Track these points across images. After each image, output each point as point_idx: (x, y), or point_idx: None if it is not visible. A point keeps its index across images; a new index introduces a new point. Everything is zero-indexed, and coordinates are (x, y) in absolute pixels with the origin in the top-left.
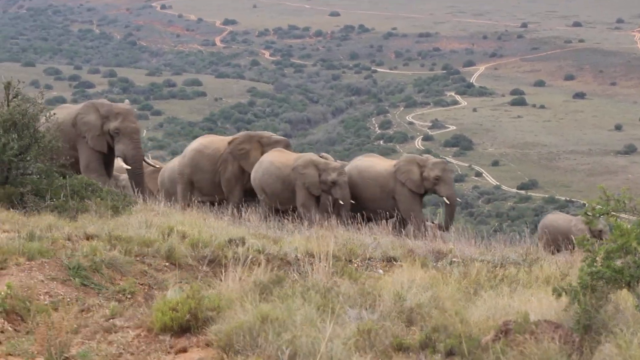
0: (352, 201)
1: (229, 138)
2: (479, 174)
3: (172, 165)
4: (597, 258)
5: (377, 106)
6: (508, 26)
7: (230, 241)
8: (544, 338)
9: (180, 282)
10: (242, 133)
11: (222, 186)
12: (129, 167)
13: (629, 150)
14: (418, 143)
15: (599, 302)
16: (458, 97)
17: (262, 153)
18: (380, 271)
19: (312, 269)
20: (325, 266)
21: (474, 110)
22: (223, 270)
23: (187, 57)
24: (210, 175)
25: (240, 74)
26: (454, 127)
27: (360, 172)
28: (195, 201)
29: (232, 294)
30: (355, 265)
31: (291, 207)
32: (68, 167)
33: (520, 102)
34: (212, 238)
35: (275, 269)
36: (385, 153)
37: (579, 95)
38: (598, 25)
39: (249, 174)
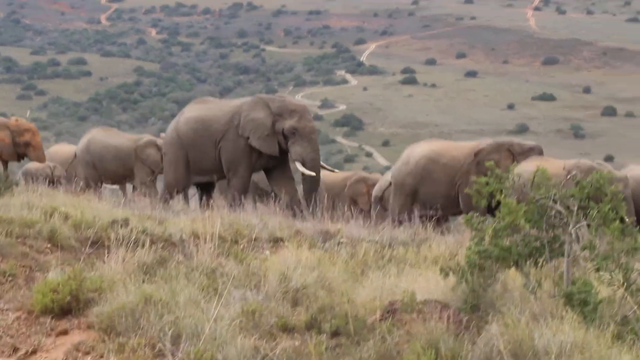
0: None
1: (470, 144)
2: (369, 154)
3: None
4: (485, 237)
5: (266, 85)
6: (399, 3)
7: (113, 222)
8: (431, 317)
9: (62, 264)
10: (488, 141)
11: (461, 202)
12: (309, 172)
13: (521, 129)
14: None
15: (486, 282)
16: (348, 76)
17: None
18: (267, 252)
19: (197, 250)
20: (211, 247)
21: (365, 89)
22: (106, 252)
23: (72, 36)
24: (445, 188)
25: (127, 52)
26: (344, 107)
27: None
28: (415, 216)
29: (114, 276)
30: (241, 246)
31: None
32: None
33: (411, 81)
34: (96, 219)
35: (160, 250)
36: None
37: (471, 74)
38: (490, 2)
39: None
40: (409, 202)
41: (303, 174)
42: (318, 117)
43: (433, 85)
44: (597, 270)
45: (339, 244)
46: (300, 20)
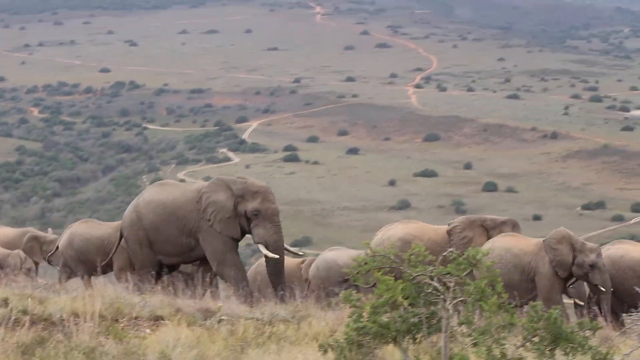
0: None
1: (443, 227)
2: None
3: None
4: (364, 313)
5: (148, 163)
6: (281, 82)
7: None
8: None
9: None
10: (461, 218)
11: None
12: (272, 255)
13: (403, 205)
14: None
15: (365, 358)
16: (230, 154)
17: (488, 238)
18: (147, 330)
19: (77, 329)
20: (91, 326)
21: (247, 167)
22: None
23: None
24: None
25: (8, 132)
26: None
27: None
28: None
29: None
30: (122, 325)
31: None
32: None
33: (294, 158)
34: None
35: (40, 329)
36: None
37: (353, 151)
38: (372, 80)
39: None
40: None
41: (266, 257)
42: None
43: (315, 163)
44: (475, 345)
45: (219, 321)
46: (183, 98)
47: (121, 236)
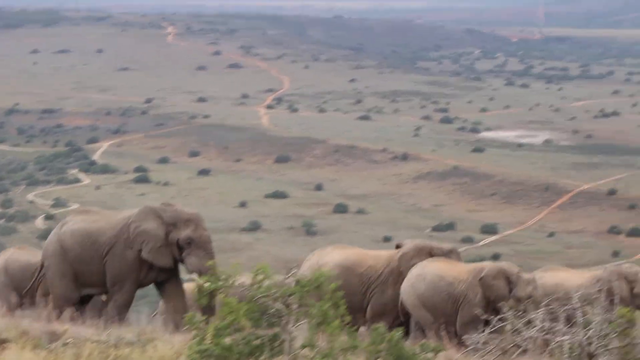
0: None
1: (389, 253)
2: None
3: None
4: (207, 336)
5: None
6: (132, 102)
7: None
8: None
9: None
10: (410, 246)
11: (372, 311)
12: None
13: (254, 227)
14: (39, 222)
15: None
16: (81, 175)
17: None
18: None
19: None
20: None
21: (97, 187)
22: None
23: None
24: (359, 298)
25: None
26: (78, 205)
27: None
28: None
29: None
30: None
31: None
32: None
33: (144, 179)
34: None
35: None
36: (6, 233)
37: (204, 172)
38: (223, 101)
39: None
40: None
41: None
42: (50, 216)
43: (166, 184)
44: None
45: (64, 344)
46: (34, 118)
47: (42, 266)
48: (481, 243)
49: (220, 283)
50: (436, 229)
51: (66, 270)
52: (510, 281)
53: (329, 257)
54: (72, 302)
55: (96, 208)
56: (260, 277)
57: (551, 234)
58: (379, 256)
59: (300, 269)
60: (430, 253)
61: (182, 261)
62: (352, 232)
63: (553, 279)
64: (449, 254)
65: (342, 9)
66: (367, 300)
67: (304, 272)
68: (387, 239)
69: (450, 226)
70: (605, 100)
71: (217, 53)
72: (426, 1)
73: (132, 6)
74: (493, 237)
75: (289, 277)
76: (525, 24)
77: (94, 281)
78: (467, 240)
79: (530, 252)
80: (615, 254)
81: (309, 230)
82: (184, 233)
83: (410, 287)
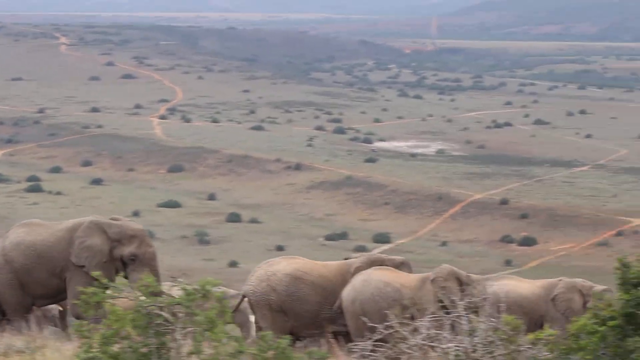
0: None
1: (332, 263)
2: None
3: None
4: (94, 344)
5: None
6: (25, 112)
7: None
8: None
9: None
10: (362, 258)
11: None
12: None
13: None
14: None
15: None
16: None
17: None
18: None
19: None
20: None
21: None
22: None
23: None
24: (312, 306)
25: None
26: None
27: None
28: None
29: None
30: None
31: None
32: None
33: (37, 189)
34: None
35: None
36: None
37: (97, 181)
38: (117, 111)
39: None
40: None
41: None
42: None
43: (58, 193)
44: None
45: None
46: None
47: None
48: (374, 252)
49: (108, 292)
50: (329, 238)
51: (13, 281)
52: (461, 282)
53: (278, 266)
54: (24, 312)
55: (38, 220)
56: (144, 287)
57: (443, 243)
58: (329, 265)
59: (248, 280)
60: (382, 265)
61: (126, 277)
62: (245, 241)
63: (503, 288)
64: (400, 266)
65: (236, 20)
66: (320, 309)
67: (252, 283)
68: (280, 248)
69: (343, 235)
70: (498, 111)
71: (110, 64)
72: (321, 13)
73: (25, 17)
74: (385, 246)
75: (174, 285)
76: (419, 36)
77: (40, 293)
78: (360, 249)
79: (422, 260)
80: (507, 263)
81: (202, 239)
82: (127, 249)
83: (354, 292)
